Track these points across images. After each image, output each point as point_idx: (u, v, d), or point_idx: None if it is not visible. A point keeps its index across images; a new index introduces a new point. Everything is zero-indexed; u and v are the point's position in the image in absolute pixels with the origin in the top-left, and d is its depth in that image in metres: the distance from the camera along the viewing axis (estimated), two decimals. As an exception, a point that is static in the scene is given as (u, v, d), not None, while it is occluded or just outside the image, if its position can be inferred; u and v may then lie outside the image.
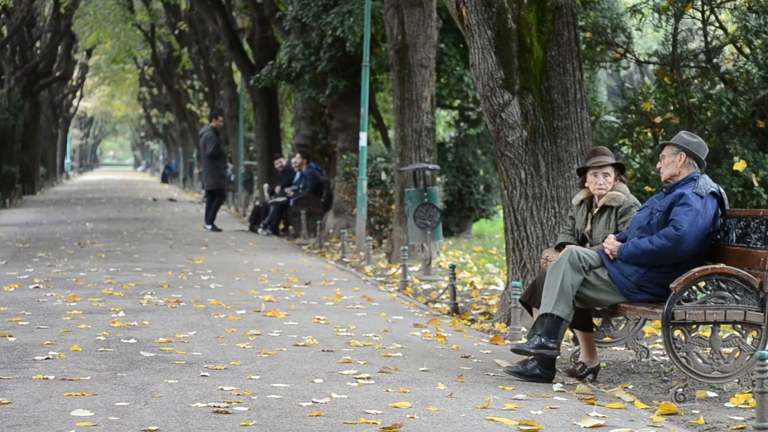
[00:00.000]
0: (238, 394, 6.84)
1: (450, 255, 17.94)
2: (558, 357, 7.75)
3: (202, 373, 7.51)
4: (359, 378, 7.45)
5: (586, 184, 8.35)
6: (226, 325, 9.86)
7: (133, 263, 15.57)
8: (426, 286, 13.88)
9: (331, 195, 22.29)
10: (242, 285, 13.11)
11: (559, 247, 8.32)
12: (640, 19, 12.28)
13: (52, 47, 40.15)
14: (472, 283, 13.87)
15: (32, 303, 11.10)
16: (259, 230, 22.73)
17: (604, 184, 8.22)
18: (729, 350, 7.19)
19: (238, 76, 35.89)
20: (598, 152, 8.33)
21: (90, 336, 9.04)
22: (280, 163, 24.04)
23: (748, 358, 7.11)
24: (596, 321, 8.41)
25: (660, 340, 8.96)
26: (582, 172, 8.42)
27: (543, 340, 7.57)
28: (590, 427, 6.21)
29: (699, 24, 12.23)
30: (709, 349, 7.13)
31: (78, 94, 64.61)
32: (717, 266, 7.26)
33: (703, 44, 12.21)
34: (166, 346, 8.60)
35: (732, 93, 11.51)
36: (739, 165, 11.13)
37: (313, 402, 6.67)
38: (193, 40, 40.46)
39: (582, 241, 8.33)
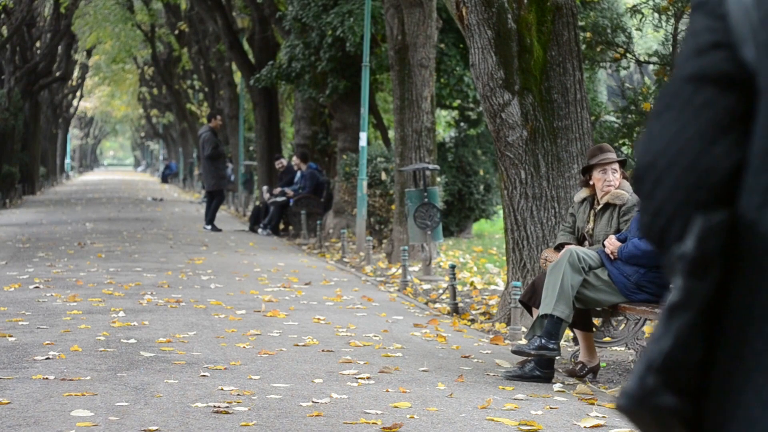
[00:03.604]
0: (238, 394, 6.84)
1: (450, 255, 17.94)
2: (558, 357, 7.76)
3: (202, 373, 7.51)
4: (359, 378, 7.45)
5: (591, 182, 8.29)
6: (226, 325, 9.86)
7: (133, 263, 15.57)
8: (426, 286, 13.88)
9: (331, 195, 22.29)
10: (242, 285, 13.10)
11: (559, 248, 8.31)
12: (640, 19, 12.28)
13: (52, 47, 40.16)
14: (472, 283, 13.87)
15: (32, 303, 11.10)
16: (259, 230, 22.74)
17: (612, 180, 8.18)
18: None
19: (238, 76, 35.89)
20: (604, 149, 8.30)
21: (90, 336, 9.03)
22: (281, 163, 24.05)
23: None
24: (596, 321, 8.41)
25: (660, 340, 8.95)
26: (587, 170, 8.35)
27: (543, 341, 7.57)
28: (590, 427, 6.21)
29: (699, 24, 12.21)
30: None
31: (78, 94, 64.63)
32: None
33: (703, 44, 12.20)
34: (166, 346, 8.60)
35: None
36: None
37: (313, 402, 6.67)
38: (193, 40, 40.47)
39: (581, 240, 8.32)
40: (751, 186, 1.60)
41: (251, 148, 36.24)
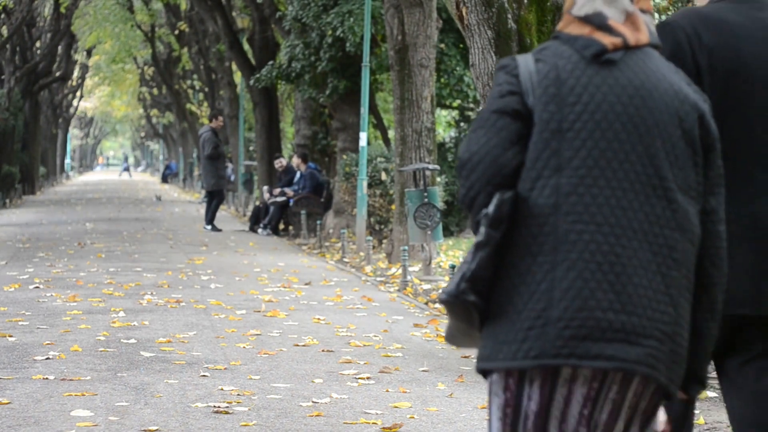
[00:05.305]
0: (238, 394, 6.84)
1: (450, 255, 17.94)
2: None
3: (202, 373, 7.51)
4: (359, 378, 7.45)
5: None
6: (226, 325, 9.86)
7: (133, 263, 15.57)
8: (426, 286, 13.87)
9: (331, 195, 22.30)
10: (242, 285, 13.10)
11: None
12: (640, 19, 12.28)
13: (52, 47, 40.17)
14: (472, 283, 13.85)
15: (32, 303, 11.10)
16: (259, 230, 22.74)
17: None
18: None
19: (238, 76, 35.89)
20: None
21: (90, 336, 9.04)
22: (281, 163, 24.06)
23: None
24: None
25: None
26: None
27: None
28: (590, 427, 6.21)
29: (699, 24, 12.22)
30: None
31: (78, 94, 64.65)
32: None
33: (703, 44, 12.22)
34: (166, 346, 8.60)
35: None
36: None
37: (313, 402, 6.67)
38: (193, 40, 40.48)
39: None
40: (524, 177, 2.83)
41: (251, 148, 36.24)
